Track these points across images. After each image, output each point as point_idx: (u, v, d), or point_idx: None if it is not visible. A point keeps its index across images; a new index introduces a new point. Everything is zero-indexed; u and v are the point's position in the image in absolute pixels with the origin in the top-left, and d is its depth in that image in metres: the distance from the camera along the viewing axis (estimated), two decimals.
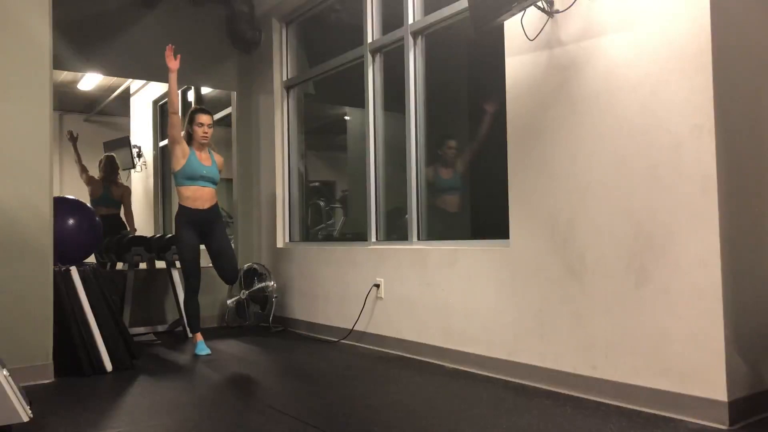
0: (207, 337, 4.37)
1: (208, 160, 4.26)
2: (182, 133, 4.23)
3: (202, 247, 4.30)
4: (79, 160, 6.47)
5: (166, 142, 7.66)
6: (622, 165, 2.79)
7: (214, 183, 4.28)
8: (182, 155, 4.18)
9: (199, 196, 4.19)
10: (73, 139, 6.57)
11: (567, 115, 3.04)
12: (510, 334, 3.32)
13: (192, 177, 4.17)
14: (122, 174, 7.74)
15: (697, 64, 2.54)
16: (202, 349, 4.24)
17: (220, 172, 4.37)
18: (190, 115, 4.25)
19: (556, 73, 3.09)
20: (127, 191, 6.61)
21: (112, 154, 6.67)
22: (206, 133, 4.21)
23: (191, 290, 4.26)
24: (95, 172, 6.46)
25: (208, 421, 2.73)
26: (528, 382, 3.21)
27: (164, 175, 7.78)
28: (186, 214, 4.19)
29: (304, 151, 5.64)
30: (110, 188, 6.29)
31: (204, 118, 4.22)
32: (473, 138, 4.44)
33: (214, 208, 4.30)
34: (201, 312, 4.31)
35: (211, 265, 4.38)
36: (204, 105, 6.87)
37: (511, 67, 3.33)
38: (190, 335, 4.96)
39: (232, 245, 4.99)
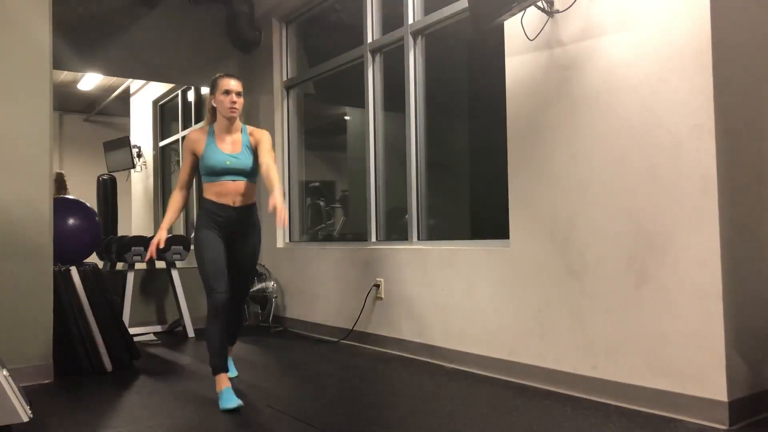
0: None
1: (236, 144, 3.16)
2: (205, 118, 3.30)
3: None
4: None
5: (166, 142, 7.71)
6: (622, 165, 2.79)
7: (246, 175, 3.16)
8: (198, 152, 3.16)
9: (227, 192, 3.13)
10: None
11: (567, 114, 3.04)
12: (510, 334, 3.32)
13: (213, 172, 3.11)
14: (122, 174, 7.75)
15: (697, 64, 2.54)
16: (229, 399, 2.88)
17: (264, 149, 3.16)
18: (213, 82, 3.21)
19: (556, 73, 3.09)
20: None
21: (62, 171, 6.71)
22: (234, 102, 3.14)
23: (214, 305, 3.01)
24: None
25: (208, 422, 2.72)
26: (528, 382, 3.21)
27: (164, 175, 7.78)
28: (209, 210, 3.14)
29: (304, 150, 5.64)
30: None
31: (232, 84, 3.15)
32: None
33: (249, 209, 3.21)
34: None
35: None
36: (204, 106, 6.88)
37: (511, 67, 3.33)
38: (191, 335, 4.97)
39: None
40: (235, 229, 3.18)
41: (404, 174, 4.22)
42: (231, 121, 3.16)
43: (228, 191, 3.12)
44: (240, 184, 3.14)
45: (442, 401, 2.95)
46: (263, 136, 3.22)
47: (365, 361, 3.94)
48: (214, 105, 3.17)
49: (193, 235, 3.28)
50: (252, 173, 3.19)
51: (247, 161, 3.15)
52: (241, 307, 3.45)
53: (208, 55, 5.69)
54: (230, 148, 3.15)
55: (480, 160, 4.34)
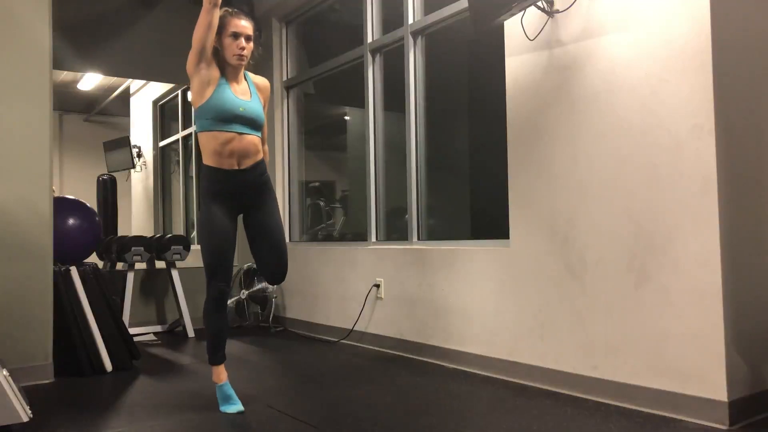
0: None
1: (246, 93, 2.80)
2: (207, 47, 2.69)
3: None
4: None
5: (166, 142, 7.69)
6: (622, 165, 2.79)
7: (256, 128, 2.79)
8: (207, 81, 2.70)
9: (234, 150, 2.72)
10: None
11: (567, 115, 3.04)
12: (510, 334, 3.32)
13: (222, 117, 2.69)
14: (122, 174, 7.77)
15: (697, 64, 2.54)
16: (231, 403, 2.84)
17: (264, 107, 2.90)
18: (220, 21, 2.72)
19: (556, 73, 3.09)
20: None
21: None
22: (243, 48, 2.72)
23: (213, 296, 2.81)
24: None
25: (208, 422, 2.72)
26: (528, 382, 3.21)
27: (164, 175, 7.78)
28: (213, 179, 2.75)
29: (304, 150, 5.64)
30: None
31: (242, 25, 2.73)
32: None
33: (259, 168, 2.82)
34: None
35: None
36: None
37: (511, 67, 3.33)
38: (191, 335, 4.97)
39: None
40: (249, 197, 2.82)
41: (404, 174, 4.22)
42: (238, 68, 2.78)
43: (233, 149, 2.71)
44: (247, 139, 2.74)
45: (442, 401, 2.95)
46: (268, 92, 2.95)
47: (365, 361, 3.94)
48: (218, 48, 2.74)
49: (197, 213, 2.87)
50: (261, 126, 2.84)
51: (258, 109, 2.81)
52: (284, 267, 3.12)
53: None
54: (242, 95, 2.79)
55: (480, 160, 4.34)
